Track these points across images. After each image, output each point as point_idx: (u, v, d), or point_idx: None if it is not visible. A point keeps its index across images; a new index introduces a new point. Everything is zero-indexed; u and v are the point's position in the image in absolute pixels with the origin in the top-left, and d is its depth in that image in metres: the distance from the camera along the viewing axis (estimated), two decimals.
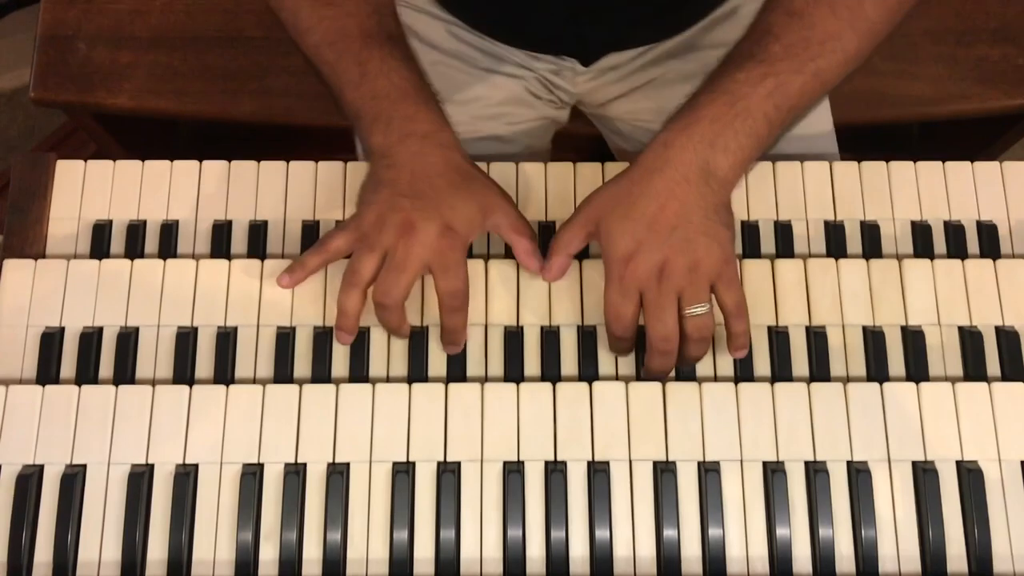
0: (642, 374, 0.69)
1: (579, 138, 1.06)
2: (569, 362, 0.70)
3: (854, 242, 0.75)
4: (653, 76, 0.90)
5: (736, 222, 0.75)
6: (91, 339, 0.70)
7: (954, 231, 0.75)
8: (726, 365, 0.70)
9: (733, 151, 0.65)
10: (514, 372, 0.69)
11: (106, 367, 0.70)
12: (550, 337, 0.70)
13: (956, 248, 0.75)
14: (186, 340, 0.70)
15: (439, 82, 0.86)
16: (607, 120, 0.97)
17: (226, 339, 0.70)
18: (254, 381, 0.69)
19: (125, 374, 0.69)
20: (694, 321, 0.65)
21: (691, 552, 0.64)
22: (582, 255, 0.73)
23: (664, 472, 0.65)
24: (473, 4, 0.88)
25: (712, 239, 0.65)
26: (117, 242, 0.75)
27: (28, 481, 0.64)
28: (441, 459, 0.66)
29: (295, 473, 0.65)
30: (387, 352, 0.70)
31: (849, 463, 0.66)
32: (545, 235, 0.74)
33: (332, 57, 0.70)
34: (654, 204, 0.65)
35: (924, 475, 0.65)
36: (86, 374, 0.69)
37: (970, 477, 0.65)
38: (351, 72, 0.69)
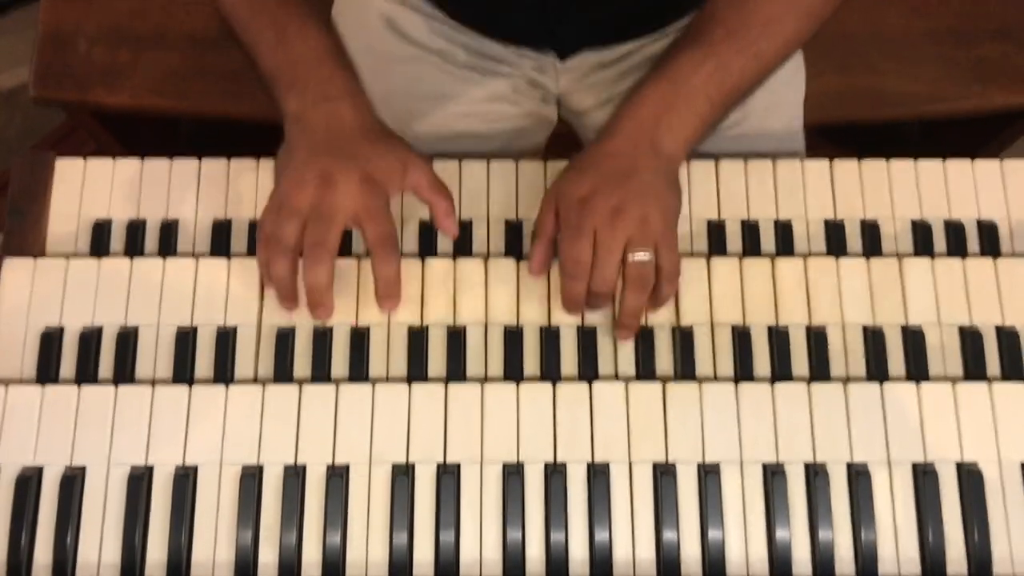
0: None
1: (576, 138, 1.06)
2: (569, 362, 0.70)
3: (854, 241, 0.75)
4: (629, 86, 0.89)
5: (736, 221, 0.75)
6: (91, 338, 0.70)
7: (954, 230, 0.75)
8: (726, 365, 0.70)
9: (677, 129, 0.68)
10: (514, 372, 0.69)
11: (106, 367, 0.70)
12: (550, 337, 0.70)
13: (956, 247, 0.75)
14: (186, 339, 0.70)
15: (413, 79, 0.85)
16: (586, 129, 0.96)
17: (226, 339, 0.70)
18: (254, 381, 0.69)
19: (125, 374, 0.69)
20: (637, 268, 0.66)
21: (691, 554, 0.64)
22: None
23: (664, 474, 0.65)
24: None
25: (662, 202, 0.67)
26: (117, 241, 0.75)
27: (28, 482, 0.64)
28: (441, 461, 0.65)
29: (295, 475, 0.65)
30: (387, 352, 0.70)
31: (849, 465, 0.65)
32: None
33: (246, 15, 0.69)
34: (607, 159, 0.68)
35: (924, 477, 0.65)
36: (86, 374, 0.69)
37: (970, 479, 0.64)
38: (267, 33, 0.69)
